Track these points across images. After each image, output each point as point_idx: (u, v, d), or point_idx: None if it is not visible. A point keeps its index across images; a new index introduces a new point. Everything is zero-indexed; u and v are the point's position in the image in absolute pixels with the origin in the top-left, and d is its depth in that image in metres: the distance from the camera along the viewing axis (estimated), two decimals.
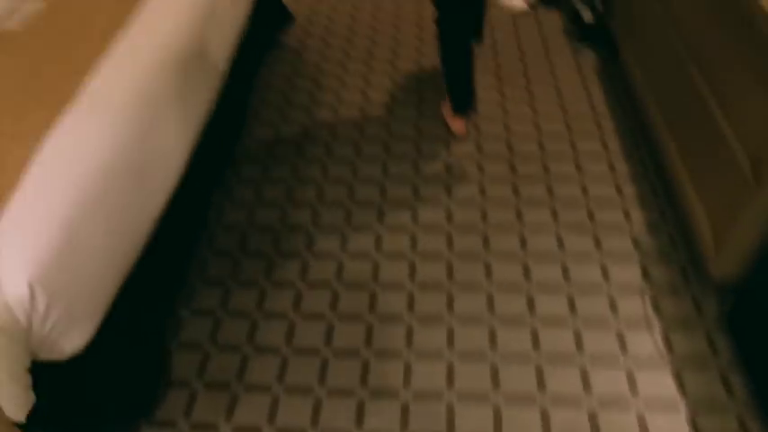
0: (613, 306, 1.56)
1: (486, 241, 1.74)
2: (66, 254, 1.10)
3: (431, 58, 2.49)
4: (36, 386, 1.11)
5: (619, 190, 1.88)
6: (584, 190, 1.88)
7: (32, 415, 1.10)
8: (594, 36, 2.47)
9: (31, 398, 1.09)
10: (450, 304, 1.58)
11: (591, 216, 1.80)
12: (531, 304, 1.58)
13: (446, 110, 2.14)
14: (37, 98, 1.34)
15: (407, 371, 1.45)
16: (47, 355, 1.12)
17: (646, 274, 1.63)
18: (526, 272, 1.65)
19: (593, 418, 1.34)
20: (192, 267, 1.72)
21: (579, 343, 1.48)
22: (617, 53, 2.26)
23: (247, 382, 1.45)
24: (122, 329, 1.32)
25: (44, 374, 1.13)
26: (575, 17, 2.55)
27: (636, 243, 1.72)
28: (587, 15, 2.47)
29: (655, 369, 1.42)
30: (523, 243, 1.73)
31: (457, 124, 2.10)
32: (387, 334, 1.53)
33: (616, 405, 1.36)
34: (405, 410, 1.38)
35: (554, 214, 1.81)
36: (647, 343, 1.48)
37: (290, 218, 1.86)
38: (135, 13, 1.61)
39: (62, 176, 1.16)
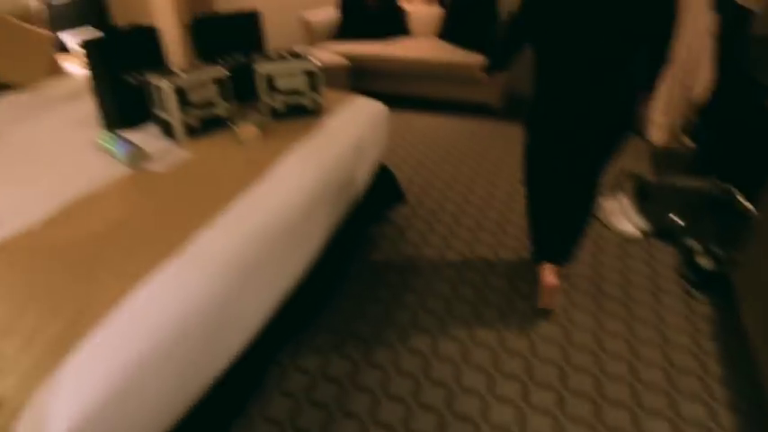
0: None
1: None
2: (113, 406, 1.08)
3: (529, 263, 2.45)
4: None
5: None
6: None
7: None
8: (711, 284, 2.31)
9: None
10: None
11: None
12: None
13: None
14: (151, 240, 1.44)
15: None
16: None
17: None
18: None
19: None
20: (272, 375, 1.87)
21: None
22: (737, 309, 2.07)
23: None
24: None
25: None
26: (690, 258, 2.43)
27: None
28: (704, 261, 2.34)
29: None
30: None
31: (545, 278, 2.07)
32: None
33: None
34: None
35: None
36: None
37: (373, 355, 1.96)
38: (260, 178, 1.77)
39: (140, 323, 1.19)
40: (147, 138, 2.05)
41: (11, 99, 2.54)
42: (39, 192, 1.66)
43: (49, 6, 3.42)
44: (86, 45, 2.04)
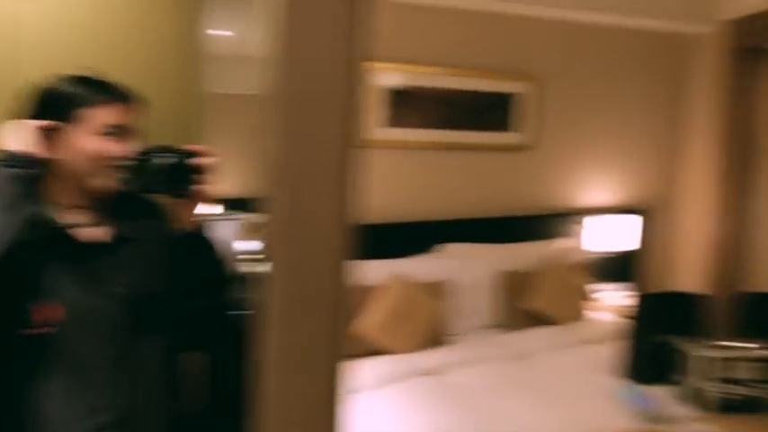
0: None
1: None
2: None
3: None
4: None
5: None
6: None
7: None
8: None
9: None
10: None
11: None
12: None
13: None
14: None
15: None
16: None
17: None
18: None
19: None
20: None
21: None
22: None
23: None
24: None
25: None
26: None
27: None
28: None
29: None
30: None
31: None
32: None
33: None
34: None
35: None
36: None
37: None
38: None
39: None
40: (662, 399, 1.94)
41: (550, 331, 2.94)
42: (554, 417, 1.81)
43: (592, 260, 3.92)
44: (641, 301, 2.18)
